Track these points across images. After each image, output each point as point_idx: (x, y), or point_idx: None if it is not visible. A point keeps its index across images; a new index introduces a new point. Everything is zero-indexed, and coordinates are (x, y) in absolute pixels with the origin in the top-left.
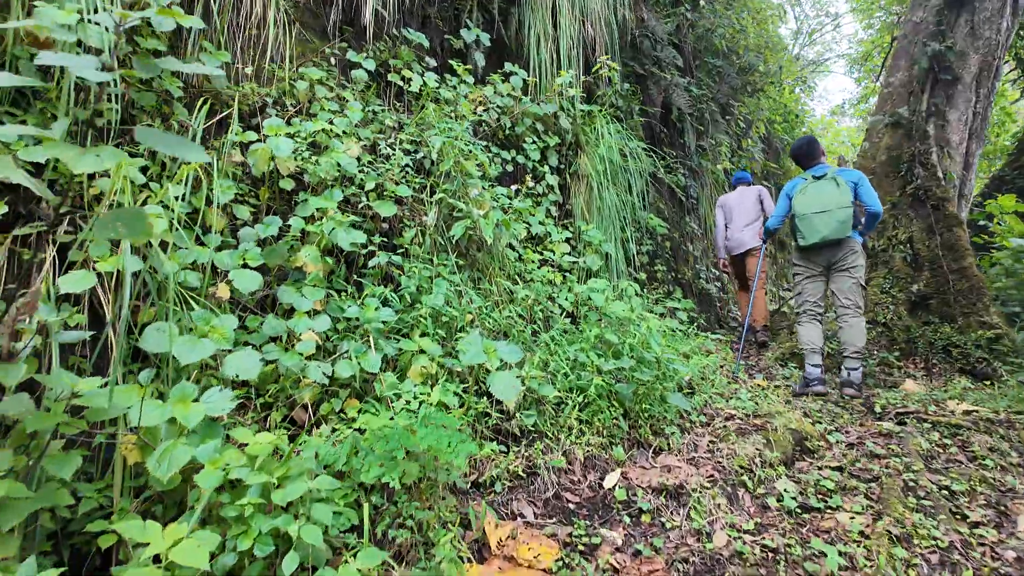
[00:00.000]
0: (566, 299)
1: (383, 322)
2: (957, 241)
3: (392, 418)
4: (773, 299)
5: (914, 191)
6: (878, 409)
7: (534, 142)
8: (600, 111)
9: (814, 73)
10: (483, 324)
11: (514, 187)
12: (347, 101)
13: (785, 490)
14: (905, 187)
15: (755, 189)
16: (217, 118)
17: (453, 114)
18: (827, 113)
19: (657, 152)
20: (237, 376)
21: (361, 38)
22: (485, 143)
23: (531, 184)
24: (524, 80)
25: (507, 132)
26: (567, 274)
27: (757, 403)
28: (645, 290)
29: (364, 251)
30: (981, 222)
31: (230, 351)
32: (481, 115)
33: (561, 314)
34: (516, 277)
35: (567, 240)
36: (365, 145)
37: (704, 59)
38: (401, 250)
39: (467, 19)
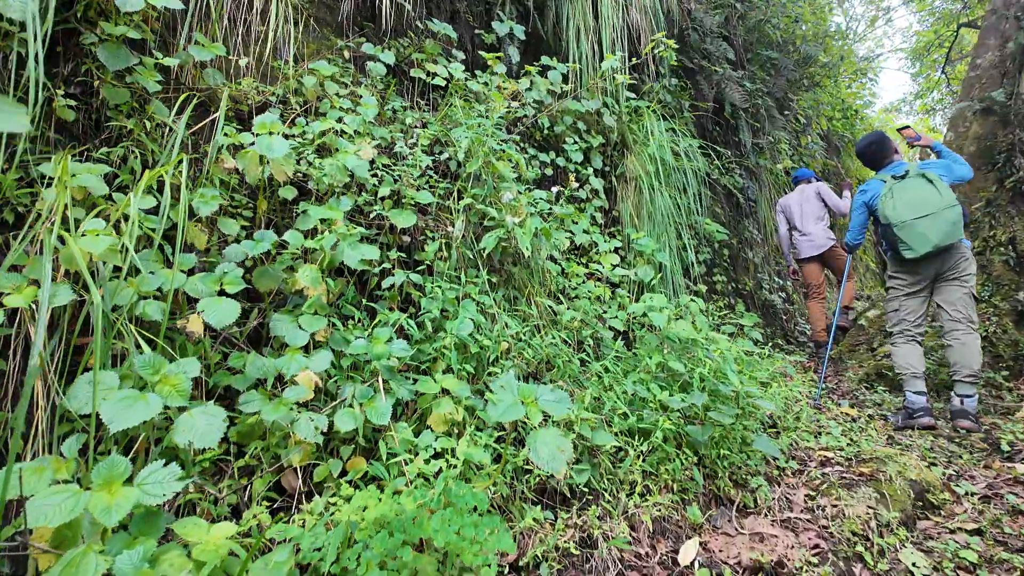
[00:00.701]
0: (616, 318)
1: (396, 358)
2: None
3: (400, 492)
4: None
5: (1015, 185)
6: (1005, 446)
7: (575, 142)
8: (648, 107)
9: (871, 71)
10: (520, 355)
11: (554, 189)
12: (361, 98)
13: (914, 564)
14: (1003, 181)
15: (814, 186)
16: (210, 118)
17: (485, 110)
18: (883, 110)
19: (711, 151)
20: (191, 444)
21: (382, 34)
22: (521, 143)
23: (575, 186)
24: (563, 75)
25: (545, 132)
26: (617, 289)
27: (853, 439)
28: (707, 305)
29: (378, 269)
30: None
31: (185, 408)
32: (516, 110)
33: (613, 337)
34: (559, 295)
35: (615, 250)
36: (381, 146)
37: (757, 51)
38: (423, 267)
39: (499, 12)
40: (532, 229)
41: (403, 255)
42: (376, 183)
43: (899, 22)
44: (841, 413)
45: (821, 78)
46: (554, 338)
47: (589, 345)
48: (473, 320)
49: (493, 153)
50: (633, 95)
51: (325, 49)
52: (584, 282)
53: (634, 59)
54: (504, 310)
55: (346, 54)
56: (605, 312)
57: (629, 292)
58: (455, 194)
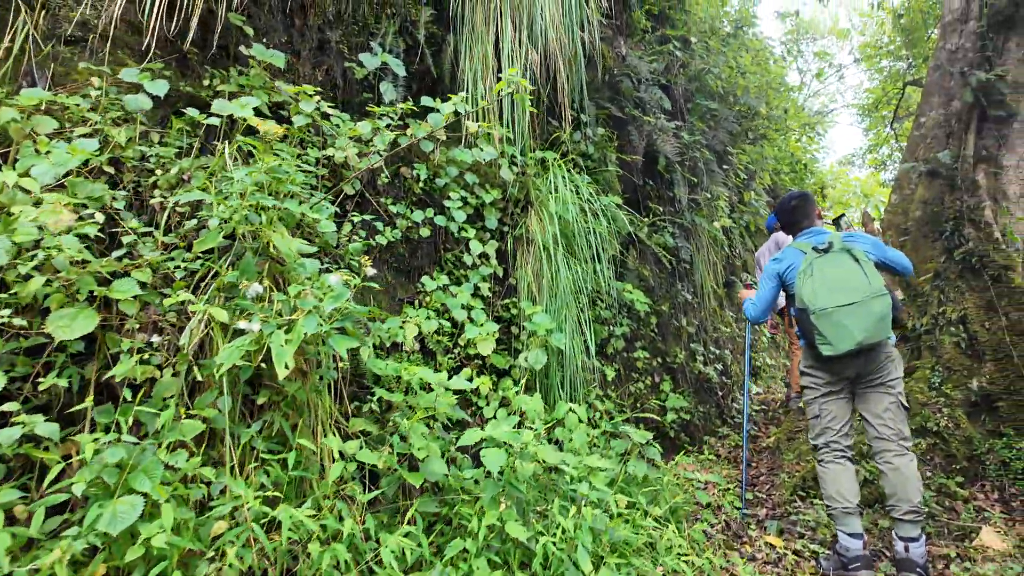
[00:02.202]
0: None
1: None
2: None
3: None
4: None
5: (964, 257)
6: None
7: (463, 198)
8: (556, 159)
9: (820, 124)
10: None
11: (371, 270)
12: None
13: None
14: (951, 251)
15: (774, 236)
16: None
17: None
18: (836, 164)
19: (641, 208)
20: None
21: (206, 60)
22: (382, 198)
23: (461, 253)
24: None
25: (426, 185)
26: (504, 378)
27: None
28: (611, 395)
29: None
30: None
31: None
32: (354, 162)
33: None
34: (381, 418)
35: (510, 324)
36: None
37: (697, 102)
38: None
39: (379, 44)
40: (301, 336)
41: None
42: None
43: (851, 79)
44: (765, 544)
45: (766, 130)
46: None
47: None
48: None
49: (272, 216)
50: (543, 151)
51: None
52: (425, 390)
53: (549, 120)
54: (252, 462)
55: (96, 81)
56: (453, 436)
57: (521, 380)
58: (194, 281)
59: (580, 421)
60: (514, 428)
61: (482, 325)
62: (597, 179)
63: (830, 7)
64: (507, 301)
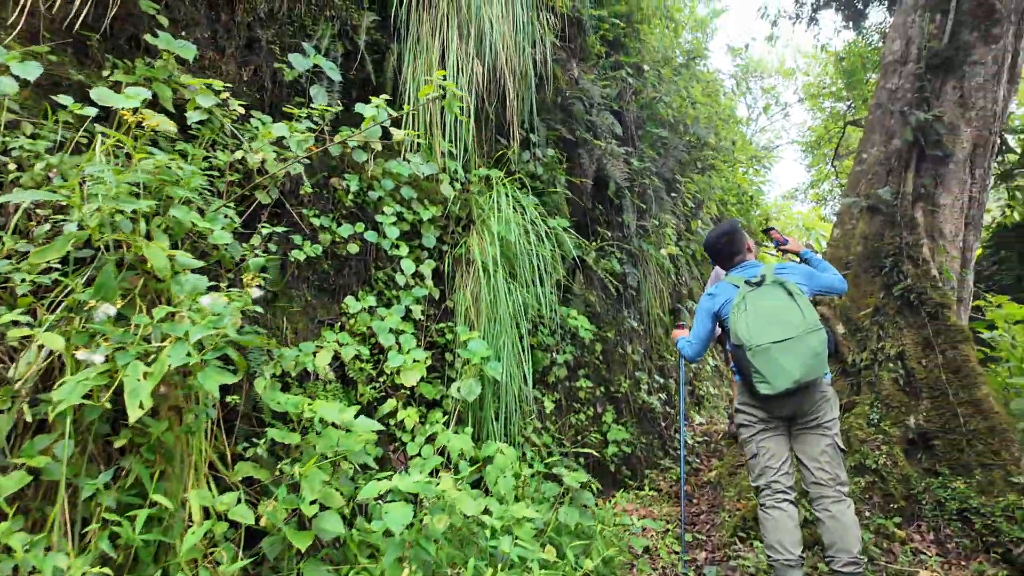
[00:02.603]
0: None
1: None
2: (965, 362)
3: None
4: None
5: (903, 293)
6: None
7: (398, 213)
8: (501, 178)
9: (766, 158)
10: None
11: (255, 291)
12: None
13: None
14: (891, 287)
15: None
16: None
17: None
18: (780, 197)
19: (590, 233)
20: None
21: (106, 50)
22: (302, 207)
23: (393, 272)
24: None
25: (357, 198)
26: (434, 409)
27: None
28: (550, 427)
29: None
30: (981, 333)
31: None
32: (273, 168)
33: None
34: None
35: (444, 350)
36: None
37: (648, 129)
38: None
39: (315, 46)
40: (164, 368)
41: None
42: None
43: (796, 117)
44: None
45: (715, 160)
46: None
47: None
48: None
49: (148, 223)
50: (486, 169)
51: None
52: (325, 428)
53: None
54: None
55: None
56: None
57: (453, 412)
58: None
59: (509, 462)
60: (437, 468)
61: (408, 352)
62: (545, 201)
63: (777, 48)
64: (443, 325)
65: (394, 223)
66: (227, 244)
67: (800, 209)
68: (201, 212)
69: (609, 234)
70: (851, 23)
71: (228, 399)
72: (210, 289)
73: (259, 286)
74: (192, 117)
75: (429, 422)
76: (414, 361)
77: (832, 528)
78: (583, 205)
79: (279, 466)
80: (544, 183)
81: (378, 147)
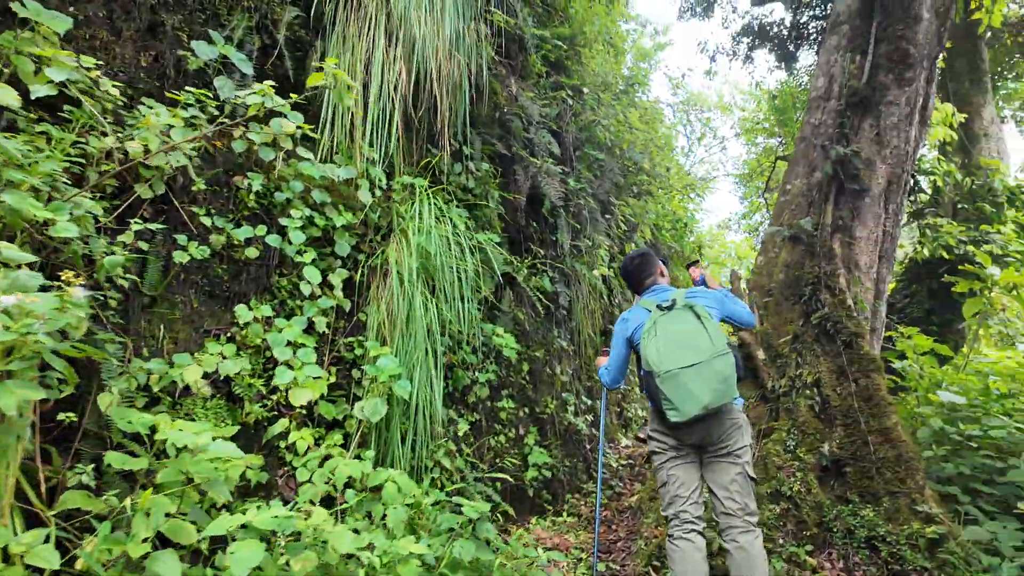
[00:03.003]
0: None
1: None
2: (876, 391)
3: None
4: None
5: (820, 321)
6: None
7: (308, 218)
8: (425, 187)
9: (703, 189)
10: None
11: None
12: None
13: None
14: (809, 315)
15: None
16: None
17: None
18: (714, 227)
19: (523, 250)
20: None
21: None
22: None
23: (299, 280)
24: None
25: (262, 199)
26: (333, 431)
27: None
28: (466, 450)
29: None
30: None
31: None
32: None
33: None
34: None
35: (353, 366)
36: None
37: (586, 151)
38: None
39: (227, 36)
40: None
41: None
42: None
43: (732, 151)
44: None
45: (651, 186)
46: None
47: None
48: None
49: None
50: (410, 177)
51: None
52: (181, 451)
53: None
54: None
55: None
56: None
57: (355, 433)
58: None
59: (400, 491)
60: (325, 497)
61: (301, 368)
62: (477, 215)
63: (716, 83)
64: (352, 340)
65: (302, 228)
66: (78, 238)
67: (733, 239)
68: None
69: (542, 252)
70: (783, 63)
71: (61, 417)
72: (44, 289)
73: (93, 287)
74: (37, 91)
75: (326, 445)
76: (315, 378)
77: (740, 560)
78: (517, 222)
79: (105, 496)
80: (477, 197)
81: (288, 145)
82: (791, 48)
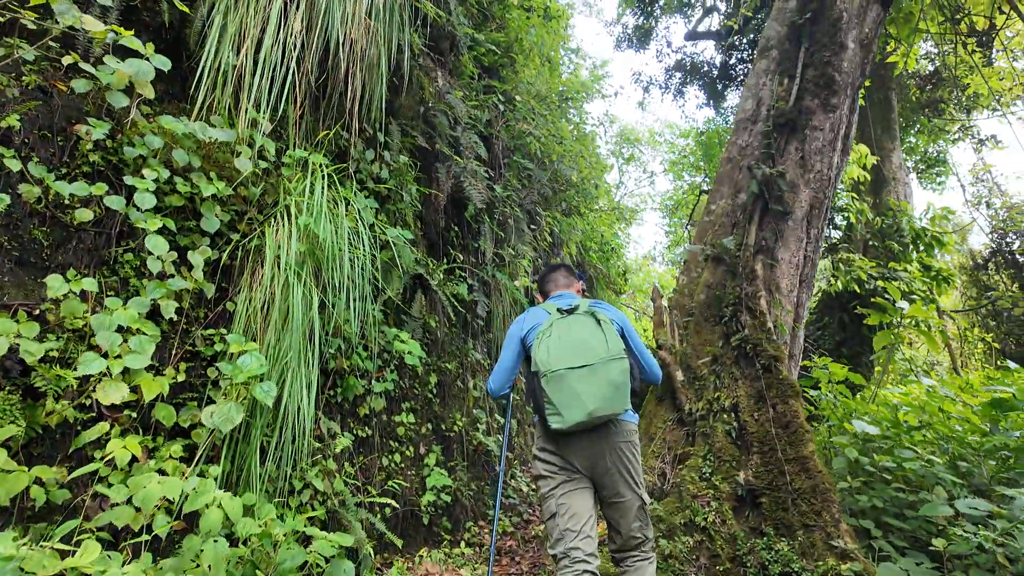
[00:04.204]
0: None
1: None
2: (794, 418)
3: None
4: None
5: (740, 343)
6: None
7: (167, 181)
8: (324, 164)
9: (631, 218)
10: None
11: None
12: None
13: None
14: (729, 337)
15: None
16: None
17: None
18: (640, 256)
19: (441, 253)
20: None
21: None
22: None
23: (148, 255)
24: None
25: (111, 154)
26: (179, 439)
27: None
28: (350, 468)
29: None
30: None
31: None
32: None
33: None
34: None
35: (211, 363)
36: None
37: (515, 159)
38: None
39: None
40: None
41: None
42: None
43: (660, 186)
44: None
45: (578, 203)
46: None
47: None
48: None
49: None
50: (314, 150)
51: None
52: None
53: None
54: None
55: None
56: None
57: (203, 444)
58: None
59: (221, 520)
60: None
61: (119, 358)
62: (390, 209)
63: (648, 120)
64: (213, 332)
65: (158, 193)
66: None
67: (658, 268)
68: None
69: (462, 258)
70: (711, 101)
71: None
72: None
73: None
74: None
75: (158, 458)
76: (157, 374)
77: None
78: (436, 223)
79: None
80: (391, 190)
81: (149, 93)
82: (719, 87)
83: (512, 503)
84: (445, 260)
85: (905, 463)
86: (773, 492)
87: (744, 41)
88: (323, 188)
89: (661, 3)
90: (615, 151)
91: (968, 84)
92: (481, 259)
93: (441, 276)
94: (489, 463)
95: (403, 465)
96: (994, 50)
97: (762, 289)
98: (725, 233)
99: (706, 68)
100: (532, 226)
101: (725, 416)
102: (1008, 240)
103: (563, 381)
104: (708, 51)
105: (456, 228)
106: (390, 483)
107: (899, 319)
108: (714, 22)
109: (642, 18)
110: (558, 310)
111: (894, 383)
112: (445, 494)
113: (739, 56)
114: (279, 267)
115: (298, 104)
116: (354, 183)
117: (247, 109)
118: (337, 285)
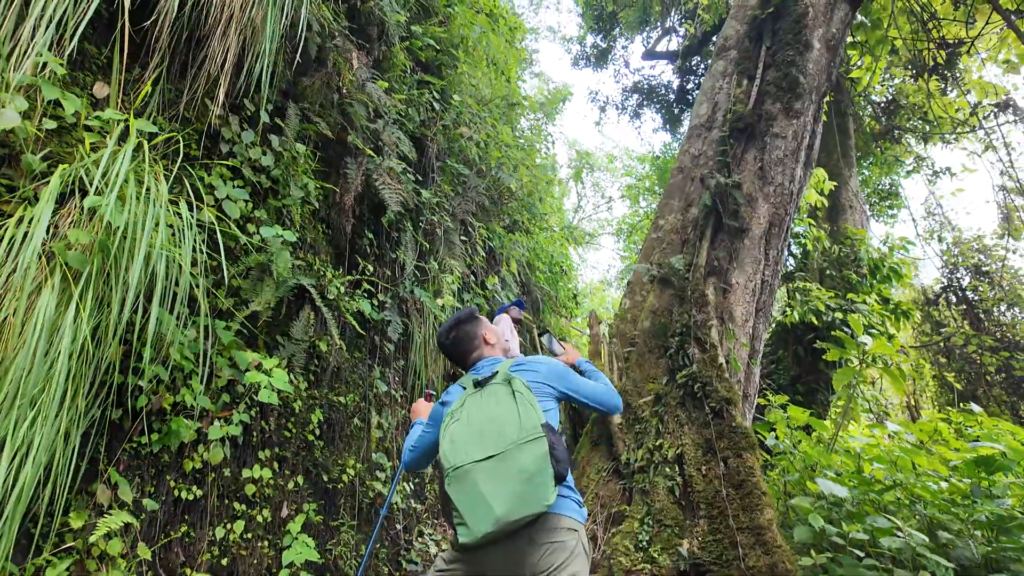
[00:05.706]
0: None
1: None
2: (749, 475)
3: None
4: None
5: (687, 381)
6: None
7: None
8: (144, 134)
9: (584, 240)
10: None
11: None
12: None
13: None
14: (675, 373)
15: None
16: None
17: None
18: (596, 281)
19: (348, 264)
20: None
21: None
22: None
23: None
24: None
25: None
26: None
27: None
28: (142, 546)
29: None
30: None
31: None
32: None
33: None
34: None
35: None
36: None
37: (448, 163)
38: None
39: None
40: None
41: None
42: None
43: (618, 211)
44: None
45: (522, 219)
46: None
47: None
48: None
49: None
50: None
51: None
52: None
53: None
54: None
55: None
56: None
57: None
58: None
59: None
60: None
61: None
62: (273, 204)
63: (606, 145)
64: None
65: None
66: None
67: (612, 293)
68: None
69: (373, 269)
70: (667, 126)
71: None
72: None
73: None
74: None
75: None
76: None
77: None
78: (343, 228)
79: None
80: (277, 181)
81: None
82: (676, 111)
83: (415, 571)
84: (352, 271)
85: (880, 537)
86: (722, 569)
87: (703, 65)
88: (147, 163)
89: (621, 24)
90: (575, 174)
91: (927, 111)
92: (400, 273)
93: (340, 289)
94: (390, 519)
95: (250, 536)
96: (952, 76)
97: (713, 317)
98: (674, 251)
99: (663, 91)
100: (464, 238)
101: (667, 469)
102: (958, 276)
103: (467, 479)
104: (666, 75)
105: (370, 235)
106: (223, 562)
107: (861, 356)
108: (672, 43)
109: (601, 37)
110: (473, 382)
111: (854, 424)
112: (310, 572)
113: (695, 81)
114: (37, 260)
115: (118, 48)
116: (222, 169)
117: (23, 46)
118: (141, 290)
